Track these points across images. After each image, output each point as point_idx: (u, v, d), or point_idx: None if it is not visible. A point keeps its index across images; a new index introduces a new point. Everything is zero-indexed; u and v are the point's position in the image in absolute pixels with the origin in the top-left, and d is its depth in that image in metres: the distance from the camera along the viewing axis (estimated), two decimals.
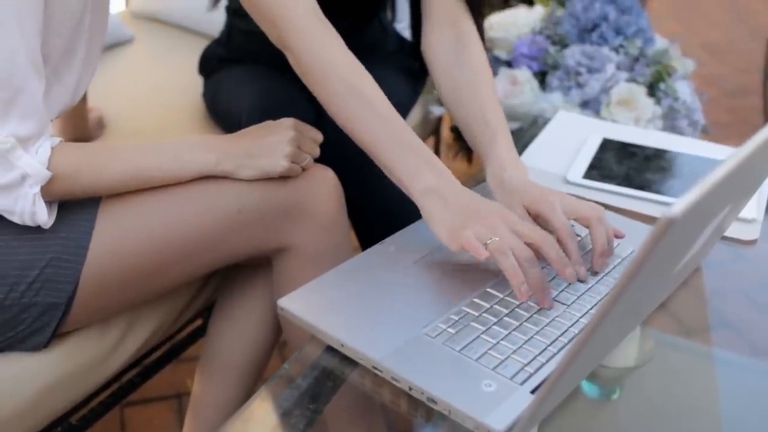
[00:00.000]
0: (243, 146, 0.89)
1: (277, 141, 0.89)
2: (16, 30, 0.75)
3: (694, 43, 3.39)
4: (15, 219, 0.82)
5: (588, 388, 0.72)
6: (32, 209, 0.80)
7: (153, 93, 1.58)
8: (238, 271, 1.05)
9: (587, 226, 0.83)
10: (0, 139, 0.77)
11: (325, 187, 0.94)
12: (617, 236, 0.86)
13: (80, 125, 1.26)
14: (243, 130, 0.93)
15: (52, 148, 0.81)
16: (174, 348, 1.20)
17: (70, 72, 0.87)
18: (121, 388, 1.11)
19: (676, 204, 0.45)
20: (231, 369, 1.03)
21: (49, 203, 0.82)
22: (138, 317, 0.97)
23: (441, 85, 1.05)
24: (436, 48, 1.06)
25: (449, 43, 1.05)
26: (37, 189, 0.80)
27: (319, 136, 0.96)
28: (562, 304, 0.77)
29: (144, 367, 1.14)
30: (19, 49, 0.76)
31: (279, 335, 1.06)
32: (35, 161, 0.79)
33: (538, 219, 0.85)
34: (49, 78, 0.84)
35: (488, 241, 0.75)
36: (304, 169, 0.93)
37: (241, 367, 1.03)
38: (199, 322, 1.20)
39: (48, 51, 0.82)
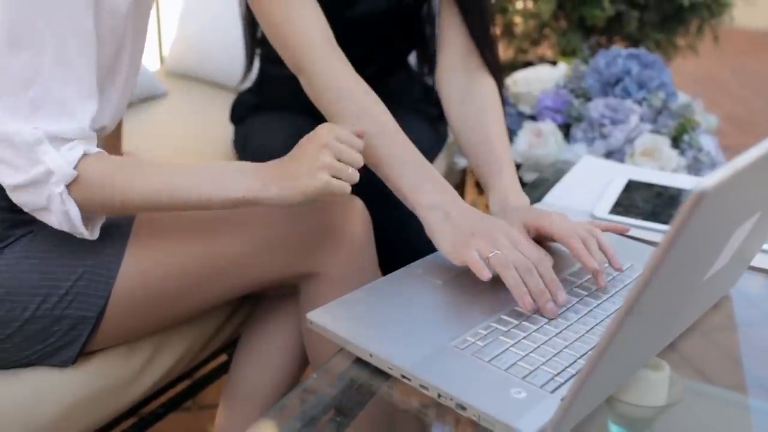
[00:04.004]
0: (283, 168, 0.82)
1: (311, 153, 0.81)
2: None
3: (716, 115, 3.43)
4: (53, 222, 0.80)
5: None
6: (63, 208, 0.78)
7: (185, 142, 1.63)
8: (265, 302, 1.06)
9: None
10: (28, 129, 0.76)
11: (352, 213, 0.95)
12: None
13: None
14: (283, 156, 0.86)
15: (87, 154, 0.79)
16: (197, 382, 1.20)
17: (114, 90, 0.89)
18: (143, 420, 1.10)
19: (706, 179, 0.46)
20: (255, 399, 1.03)
21: (88, 218, 0.82)
22: (165, 342, 0.98)
23: (451, 117, 1.13)
24: (447, 83, 1.14)
25: (460, 77, 1.13)
26: (62, 188, 0.77)
27: (358, 142, 0.84)
28: (593, 319, 0.77)
29: (168, 399, 1.13)
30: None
31: (305, 366, 1.06)
32: (61, 159, 0.77)
33: (538, 237, 0.88)
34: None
35: (490, 255, 0.79)
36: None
37: (265, 397, 1.03)
38: (223, 357, 1.20)
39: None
